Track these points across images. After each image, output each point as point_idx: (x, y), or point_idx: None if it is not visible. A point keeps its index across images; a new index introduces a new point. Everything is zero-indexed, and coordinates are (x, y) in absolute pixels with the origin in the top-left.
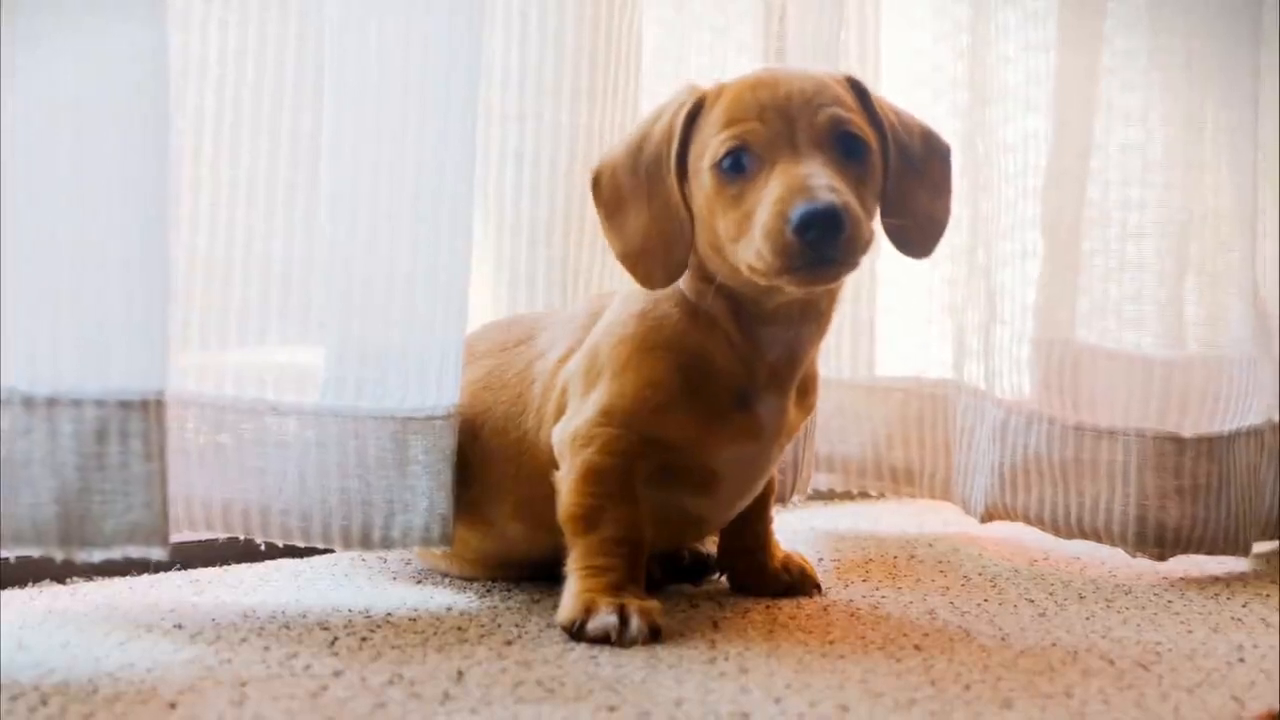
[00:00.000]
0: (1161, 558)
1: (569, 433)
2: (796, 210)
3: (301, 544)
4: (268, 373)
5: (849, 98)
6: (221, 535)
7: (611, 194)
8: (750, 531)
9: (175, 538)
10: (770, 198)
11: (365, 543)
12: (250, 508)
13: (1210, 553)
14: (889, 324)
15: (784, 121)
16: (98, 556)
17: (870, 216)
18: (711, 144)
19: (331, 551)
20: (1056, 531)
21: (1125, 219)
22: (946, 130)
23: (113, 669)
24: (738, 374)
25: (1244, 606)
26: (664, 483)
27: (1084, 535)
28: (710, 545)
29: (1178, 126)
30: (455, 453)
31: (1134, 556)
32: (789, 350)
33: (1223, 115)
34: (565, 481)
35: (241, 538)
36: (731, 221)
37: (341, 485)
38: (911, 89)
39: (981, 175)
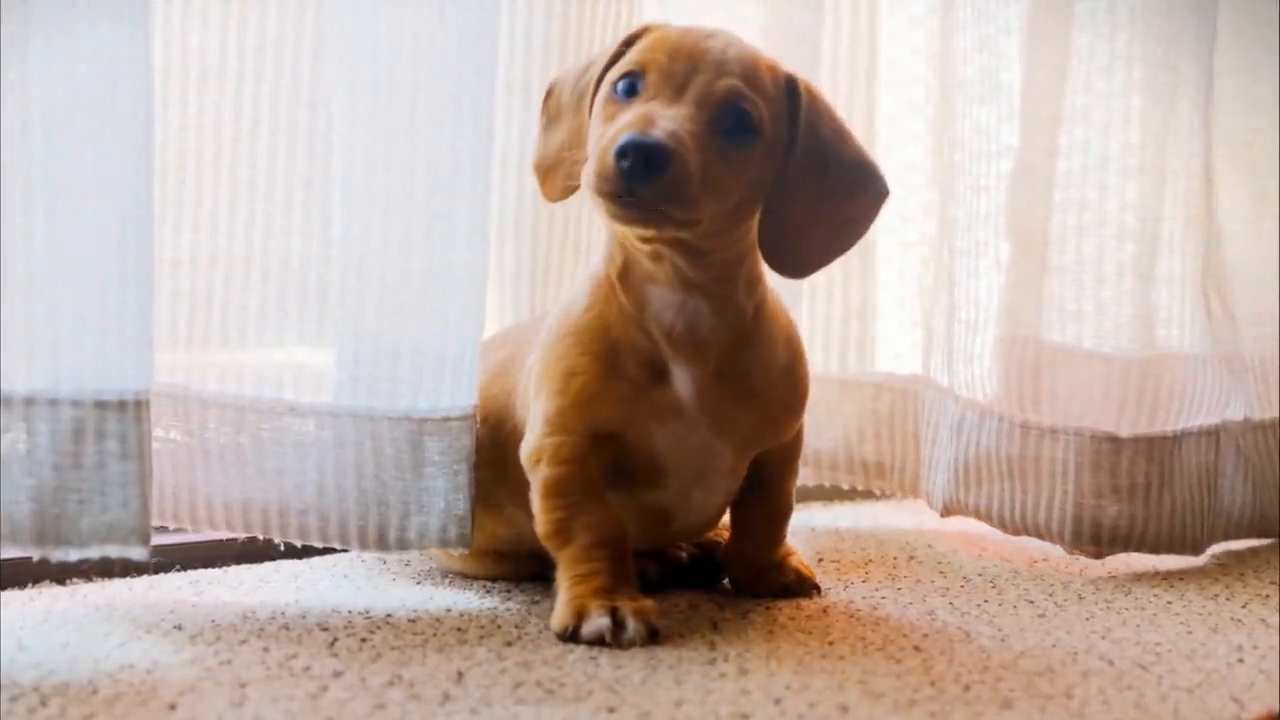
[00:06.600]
0: (1099, 555)
1: (526, 451)
2: (624, 136)
3: (320, 544)
4: (287, 372)
5: (769, 85)
6: (242, 535)
7: (554, 106)
8: (757, 538)
9: (179, 538)
10: (617, 123)
11: (382, 544)
12: (270, 508)
13: (1153, 551)
14: (872, 322)
15: (687, 69)
16: (74, 556)
17: (724, 197)
18: (619, 65)
19: (333, 551)
20: (1004, 528)
21: (1081, 220)
22: (932, 129)
23: (113, 669)
24: (638, 340)
25: (1244, 607)
26: (618, 480)
27: (1028, 532)
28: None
29: (1139, 129)
30: (474, 453)
31: (1071, 554)
32: (685, 321)
33: (1188, 116)
34: (534, 500)
35: (244, 537)
36: (597, 138)
37: (358, 485)
38: (906, 86)
39: (950, 180)
